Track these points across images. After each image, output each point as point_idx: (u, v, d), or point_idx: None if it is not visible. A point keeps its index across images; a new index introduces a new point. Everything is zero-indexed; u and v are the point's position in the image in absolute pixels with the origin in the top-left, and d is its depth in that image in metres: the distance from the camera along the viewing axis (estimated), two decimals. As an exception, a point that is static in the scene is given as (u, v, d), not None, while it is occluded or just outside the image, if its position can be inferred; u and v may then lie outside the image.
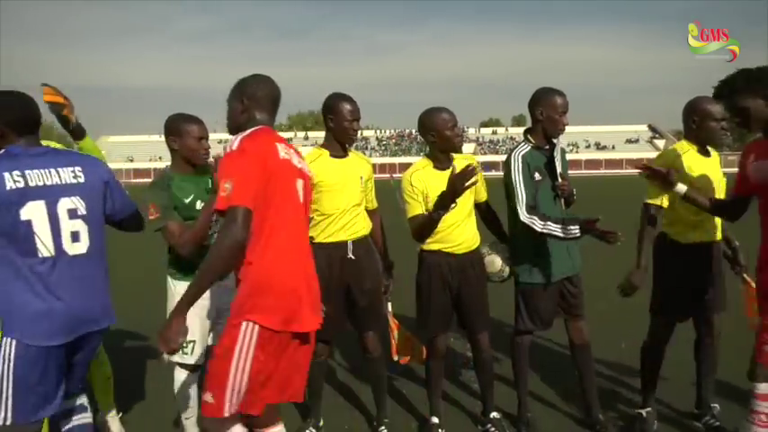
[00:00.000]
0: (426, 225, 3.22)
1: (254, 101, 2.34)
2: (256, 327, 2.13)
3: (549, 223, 3.14)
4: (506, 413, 3.62)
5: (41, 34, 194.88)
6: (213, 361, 2.20)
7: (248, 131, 2.22)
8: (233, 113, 2.38)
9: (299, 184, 2.35)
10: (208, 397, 2.17)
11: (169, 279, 3.12)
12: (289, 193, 2.26)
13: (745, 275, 3.47)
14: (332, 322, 3.32)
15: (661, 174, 2.97)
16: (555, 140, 3.36)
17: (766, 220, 2.67)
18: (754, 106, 2.63)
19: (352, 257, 3.31)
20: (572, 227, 3.11)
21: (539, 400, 3.87)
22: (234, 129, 2.35)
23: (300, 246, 2.32)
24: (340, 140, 3.33)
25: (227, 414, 2.16)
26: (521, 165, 3.26)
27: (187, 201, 2.95)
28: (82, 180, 2.42)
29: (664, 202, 3.28)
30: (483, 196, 3.51)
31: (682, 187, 2.99)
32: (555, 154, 3.30)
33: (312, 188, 2.50)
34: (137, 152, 68.79)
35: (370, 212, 3.52)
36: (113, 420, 3.45)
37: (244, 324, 2.13)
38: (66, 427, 2.58)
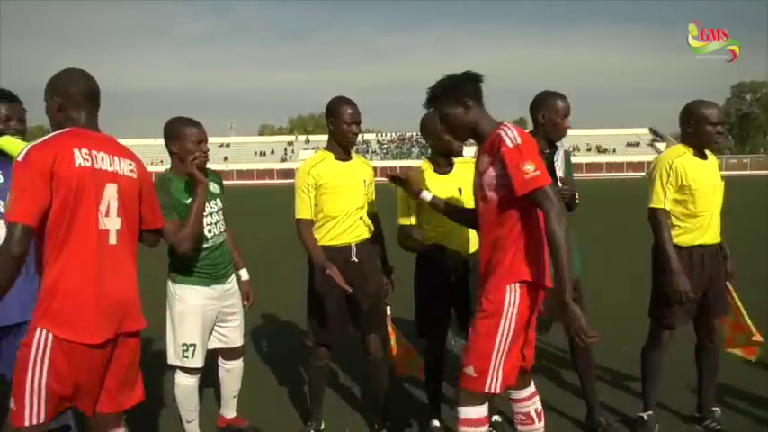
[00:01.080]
0: (406, 241, 3.36)
1: (66, 98, 2.23)
2: (50, 335, 2.05)
3: None
4: (508, 417, 3.62)
5: (45, 36, 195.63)
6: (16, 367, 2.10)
7: (42, 139, 2.14)
8: (50, 113, 2.28)
9: (109, 189, 2.20)
10: (11, 404, 2.08)
11: (169, 283, 3.13)
12: (87, 201, 2.12)
13: (729, 285, 3.45)
14: (334, 325, 3.35)
15: (401, 180, 3.07)
16: (558, 144, 3.37)
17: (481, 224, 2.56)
18: (453, 113, 2.54)
19: (356, 260, 3.32)
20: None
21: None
22: (56, 127, 2.25)
23: (102, 254, 2.16)
24: (340, 143, 3.35)
25: (27, 423, 2.04)
26: None
27: (186, 202, 3.01)
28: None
29: (666, 204, 3.29)
30: None
31: (427, 195, 3.00)
32: (555, 158, 3.31)
33: (149, 190, 2.41)
34: (142, 155, 68.54)
35: (370, 217, 3.51)
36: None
37: (38, 331, 2.06)
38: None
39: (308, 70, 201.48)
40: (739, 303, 3.46)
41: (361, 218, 3.37)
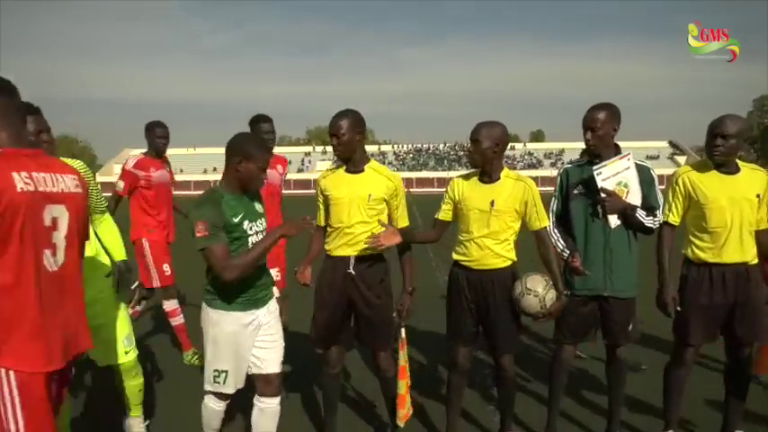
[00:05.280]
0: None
1: None
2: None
3: (558, 238, 3.37)
4: (531, 430, 3.58)
5: (77, 49, 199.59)
6: None
7: None
8: None
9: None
10: None
11: (204, 305, 2.95)
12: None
13: None
14: (328, 333, 3.41)
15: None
16: (614, 155, 3.28)
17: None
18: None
19: (352, 273, 3.31)
20: (566, 252, 3.33)
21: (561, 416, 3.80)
22: None
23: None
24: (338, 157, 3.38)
25: None
26: (558, 179, 3.46)
27: (236, 220, 2.83)
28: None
29: (672, 219, 3.30)
30: (533, 225, 3.26)
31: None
32: (595, 170, 3.24)
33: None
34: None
35: (399, 231, 3.36)
36: (138, 424, 3.53)
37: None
38: None
39: (325, 82, 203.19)
40: None
41: (364, 232, 3.28)
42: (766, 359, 3.29)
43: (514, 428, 3.53)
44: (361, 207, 3.29)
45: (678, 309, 3.26)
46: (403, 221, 3.43)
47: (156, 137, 4.89)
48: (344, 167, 3.38)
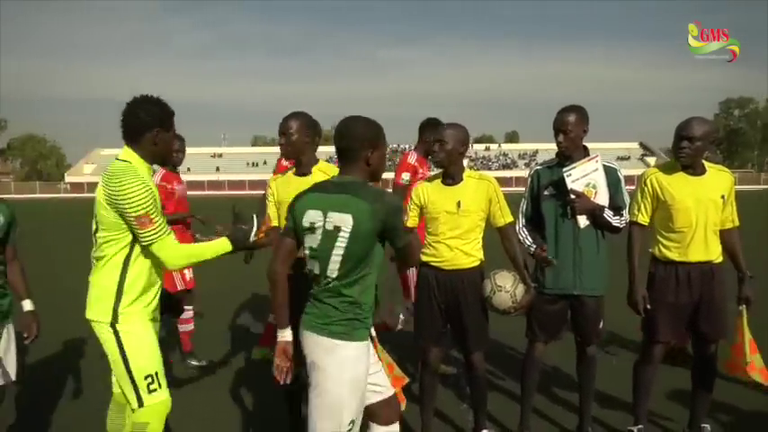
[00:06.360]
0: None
1: None
2: None
3: (526, 236, 3.43)
4: (506, 428, 3.62)
5: (47, 47, 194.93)
6: None
7: None
8: None
9: None
10: None
11: (336, 341, 2.36)
12: None
13: (742, 311, 3.34)
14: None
15: None
16: (572, 156, 3.35)
17: None
18: None
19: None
20: (534, 246, 3.37)
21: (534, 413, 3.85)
22: None
23: None
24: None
25: None
26: (528, 180, 3.50)
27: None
28: None
29: (640, 218, 3.36)
30: (498, 221, 3.33)
31: None
32: (565, 171, 3.29)
33: None
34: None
35: None
36: None
37: None
38: None
39: (302, 83, 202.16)
40: (746, 330, 3.32)
41: None
42: (737, 359, 3.36)
43: (489, 426, 3.57)
44: None
45: (648, 307, 3.33)
46: None
47: (174, 150, 4.77)
48: (294, 170, 3.38)
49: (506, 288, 3.19)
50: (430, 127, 4.69)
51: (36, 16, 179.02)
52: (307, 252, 2.43)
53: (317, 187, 2.49)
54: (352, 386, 2.34)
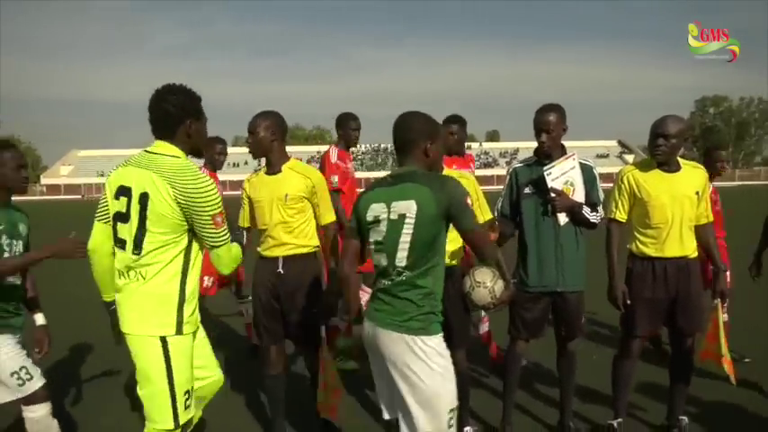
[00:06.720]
0: None
1: None
2: None
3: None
4: (488, 425, 3.65)
5: (20, 46, 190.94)
6: None
7: None
8: None
9: None
10: None
11: (419, 338, 2.35)
12: None
13: (717, 304, 3.41)
14: (270, 332, 3.46)
15: None
16: (552, 155, 3.38)
17: None
18: None
19: (281, 272, 3.36)
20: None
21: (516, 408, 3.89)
22: None
23: None
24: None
25: None
26: (507, 178, 3.55)
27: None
28: None
29: (618, 215, 3.41)
30: (480, 219, 3.33)
31: None
32: (545, 170, 3.32)
33: None
34: (107, 166, 67.77)
35: (324, 227, 3.47)
36: None
37: None
38: None
39: (283, 83, 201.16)
40: (721, 325, 3.38)
41: (289, 232, 3.33)
42: (711, 346, 3.44)
43: (471, 423, 3.59)
44: (280, 207, 3.33)
45: (628, 302, 3.38)
46: (327, 218, 3.46)
47: (216, 153, 4.74)
48: (264, 170, 3.43)
49: (485, 284, 3.19)
50: (346, 119, 4.97)
51: (9, 14, 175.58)
52: (373, 248, 2.43)
53: (378, 183, 2.51)
54: (444, 377, 2.35)
